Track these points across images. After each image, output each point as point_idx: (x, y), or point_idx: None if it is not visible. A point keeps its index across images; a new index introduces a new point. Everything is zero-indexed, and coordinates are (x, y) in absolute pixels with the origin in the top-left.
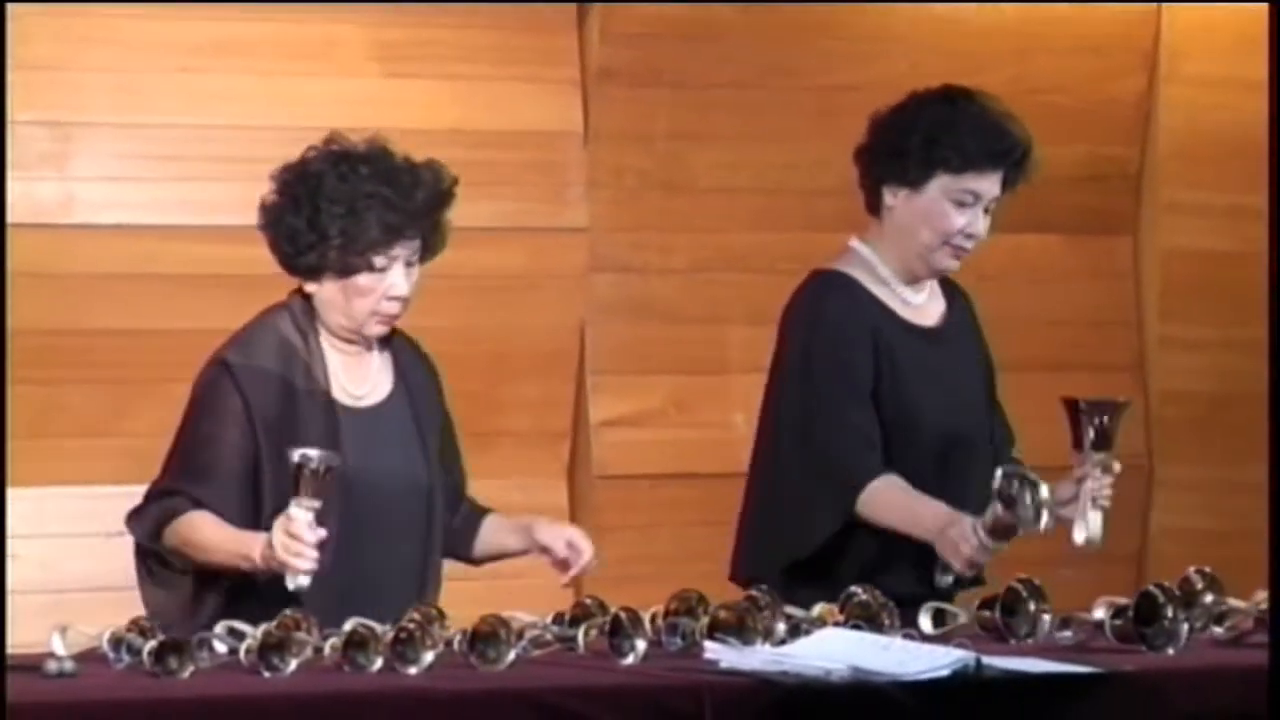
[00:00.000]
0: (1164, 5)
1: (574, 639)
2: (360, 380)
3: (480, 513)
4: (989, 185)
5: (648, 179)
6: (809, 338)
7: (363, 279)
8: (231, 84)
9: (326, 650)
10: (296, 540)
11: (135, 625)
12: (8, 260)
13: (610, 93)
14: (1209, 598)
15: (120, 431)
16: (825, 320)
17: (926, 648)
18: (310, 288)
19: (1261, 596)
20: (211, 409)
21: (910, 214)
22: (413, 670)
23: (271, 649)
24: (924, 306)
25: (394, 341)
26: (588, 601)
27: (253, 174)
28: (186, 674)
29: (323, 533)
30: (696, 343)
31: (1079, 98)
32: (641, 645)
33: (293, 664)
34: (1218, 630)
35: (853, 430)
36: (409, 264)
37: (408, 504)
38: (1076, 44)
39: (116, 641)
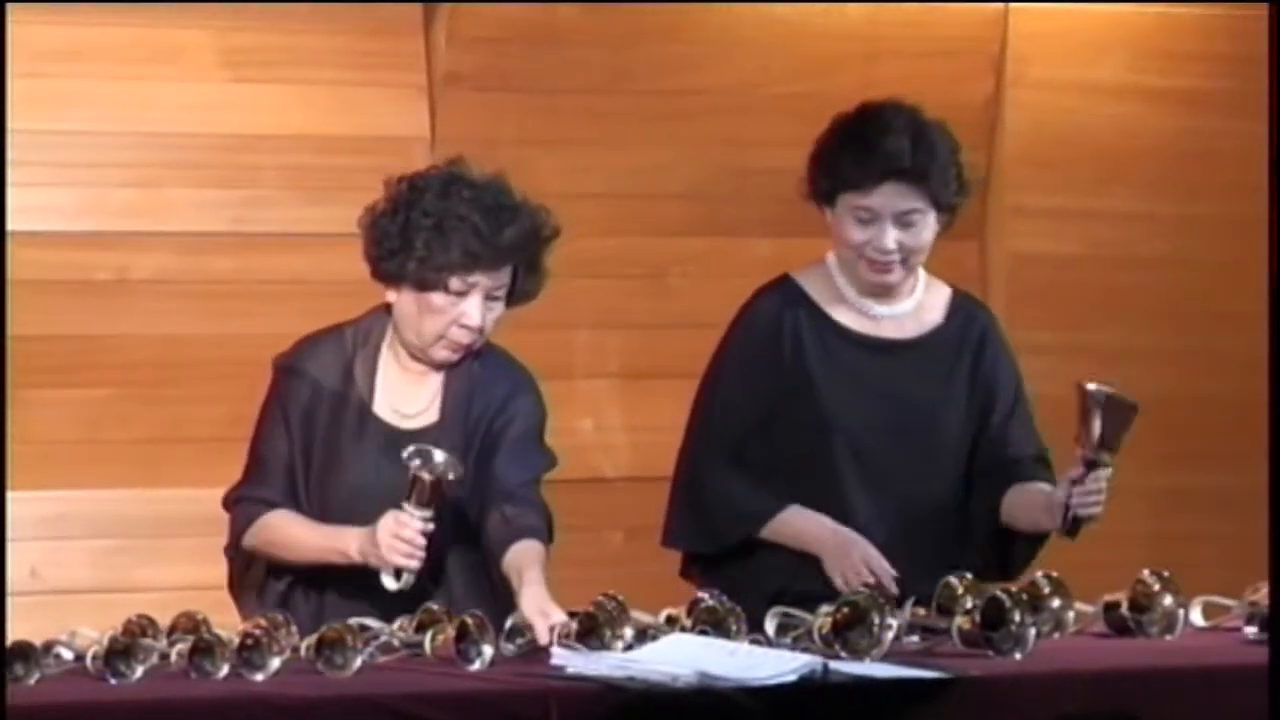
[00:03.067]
0: (1011, 7)
1: (421, 645)
2: (412, 400)
3: (516, 534)
4: (883, 202)
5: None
6: (728, 339)
7: (437, 298)
8: (78, 89)
9: (173, 657)
10: (407, 544)
11: None
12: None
13: (456, 98)
14: (1056, 602)
15: None
16: (740, 327)
17: (773, 653)
18: (390, 296)
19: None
20: (263, 411)
21: (834, 232)
22: (259, 677)
23: (118, 655)
24: (896, 320)
25: (481, 358)
26: (434, 607)
27: (99, 179)
28: (32, 680)
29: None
30: (543, 347)
31: (925, 101)
32: (488, 651)
33: (139, 670)
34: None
35: (738, 475)
36: (492, 298)
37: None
38: (923, 47)
39: None
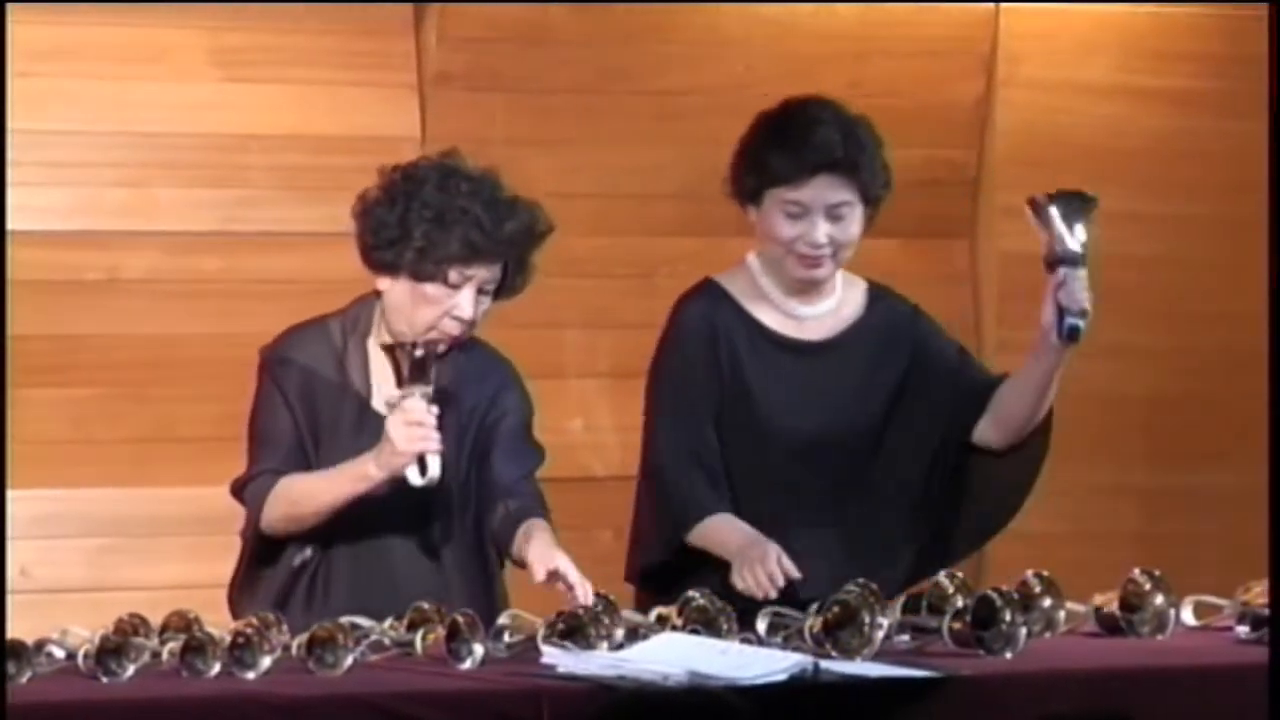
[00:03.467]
0: (1002, 6)
1: (411, 644)
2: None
3: (520, 518)
4: (814, 195)
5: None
6: (662, 346)
7: (432, 288)
8: (69, 88)
9: (165, 655)
10: (420, 425)
11: None
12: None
13: (447, 97)
14: (1047, 601)
15: None
16: (673, 333)
17: (764, 652)
18: (382, 284)
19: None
20: (258, 405)
21: (760, 228)
22: (250, 675)
23: (109, 654)
24: (818, 319)
25: (467, 351)
26: (425, 606)
27: (90, 179)
28: (24, 679)
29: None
30: (533, 347)
31: (916, 101)
32: (479, 650)
33: (130, 669)
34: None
35: (687, 460)
36: (483, 291)
37: (425, 507)
38: (913, 47)
39: None
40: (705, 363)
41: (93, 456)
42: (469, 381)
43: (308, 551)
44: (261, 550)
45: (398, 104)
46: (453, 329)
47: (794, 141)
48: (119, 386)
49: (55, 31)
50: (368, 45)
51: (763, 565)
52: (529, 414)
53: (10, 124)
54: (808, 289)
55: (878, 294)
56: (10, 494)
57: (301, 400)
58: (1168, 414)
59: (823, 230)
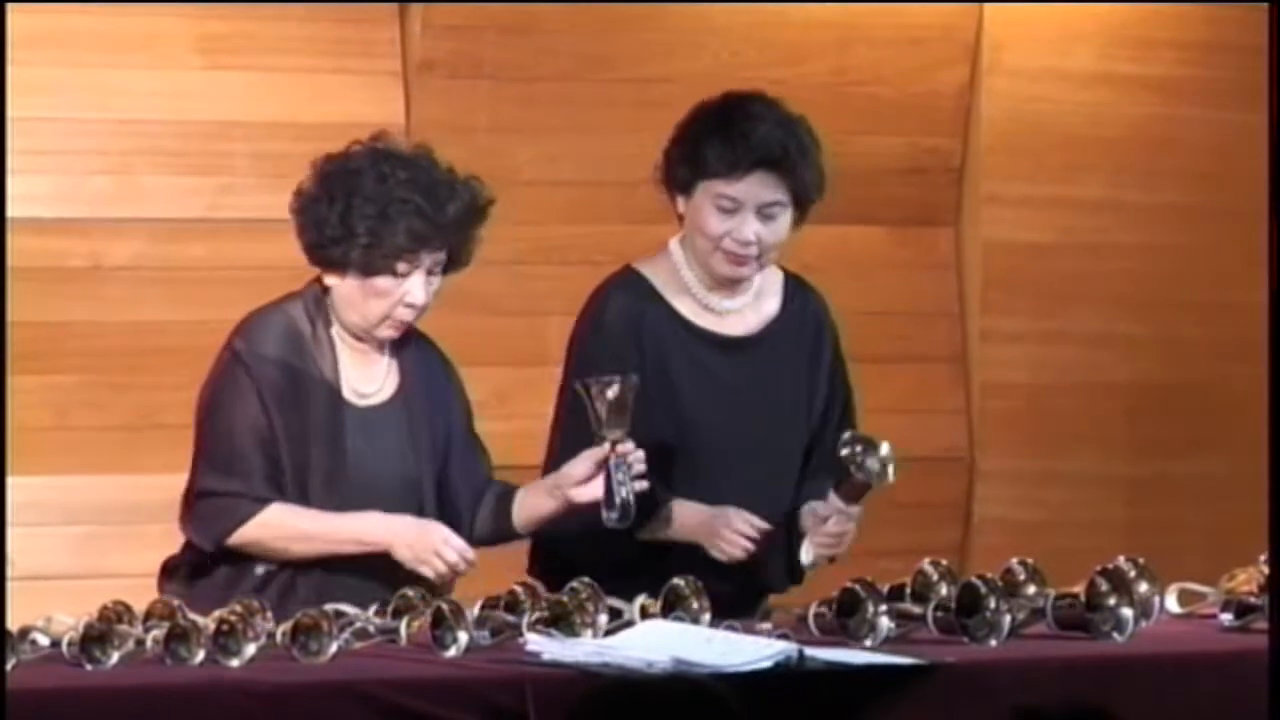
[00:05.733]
0: None
1: (396, 631)
2: (368, 379)
3: (511, 489)
4: (748, 191)
5: (468, 171)
6: (581, 336)
7: (381, 281)
8: (52, 75)
9: (149, 643)
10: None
11: None
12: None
13: (431, 85)
14: (1031, 589)
15: None
16: (597, 324)
17: (749, 640)
18: (330, 280)
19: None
20: (226, 400)
21: (688, 220)
22: (234, 663)
23: (93, 641)
24: (738, 313)
25: (410, 341)
26: (410, 593)
27: (72, 166)
28: (8, 666)
29: None
30: (516, 335)
31: (900, 90)
32: (464, 637)
33: (115, 656)
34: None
35: None
36: (430, 273)
37: (402, 500)
38: (897, 35)
39: None
40: (627, 356)
41: (76, 444)
42: (426, 367)
43: (273, 565)
44: (221, 561)
45: (382, 91)
46: (406, 316)
47: (734, 136)
48: (102, 374)
49: (39, 19)
50: (352, 33)
51: (731, 529)
52: (471, 411)
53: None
54: (729, 285)
55: (795, 286)
56: None
57: (278, 401)
58: (1151, 402)
59: (752, 228)
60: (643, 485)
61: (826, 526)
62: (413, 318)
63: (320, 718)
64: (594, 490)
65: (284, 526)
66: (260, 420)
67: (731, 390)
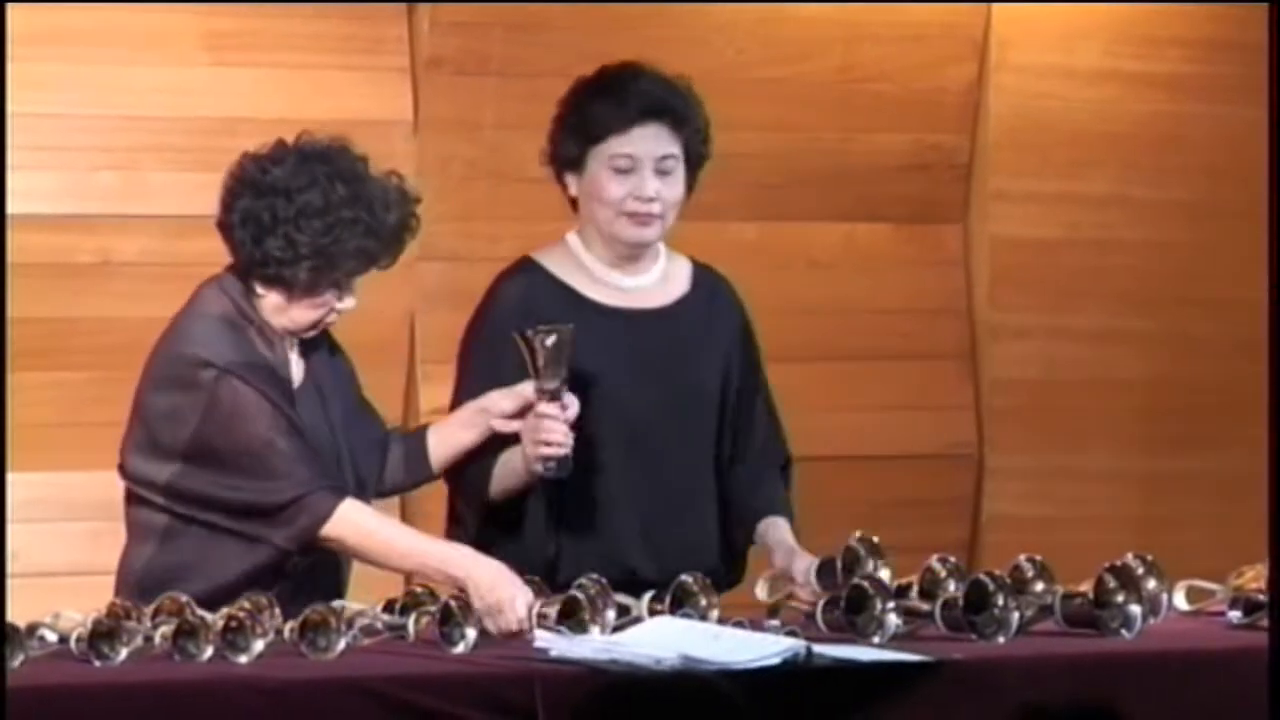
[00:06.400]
0: None
1: (404, 628)
2: (291, 364)
3: (418, 432)
4: (643, 146)
5: (476, 168)
6: (474, 326)
7: (323, 295)
8: (60, 72)
9: (157, 639)
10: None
11: None
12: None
13: (439, 81)
14: (1039, 586)
15: None
16: (490, 309)
17: (757, 636)
18: (259, 289)
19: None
20: (248, 414)
21: (585, 196)
22: (243, 659)
23: (101, 638)
24: (645, 290)
25: None
26: (418, 590)
27: (78, 163)
28: (16, 663)
29: None
30: None
31: (906, 86)
32: (471, 634)
33: (123, 653)
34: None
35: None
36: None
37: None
38: (904, 32)
39: None
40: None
41: (83, 440)
42: (321, 362)
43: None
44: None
45: (390, 88)
46: (334, 319)
47: (618, 92)
48: (110, 370)
49: (46, 15)
50: (360, 30)
51: (536, 429)
52: (357, 378)
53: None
54: (633, 257)
55: (704, 273)
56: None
57: (283, 398)
58: (1160, 398)
59: (652, 185)
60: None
61: (800, 593)
62: (336, 319)
63: (328, 714)
64: (516, 425)
65: (363, 527)
66: (283, 420)
67: (635, 361)
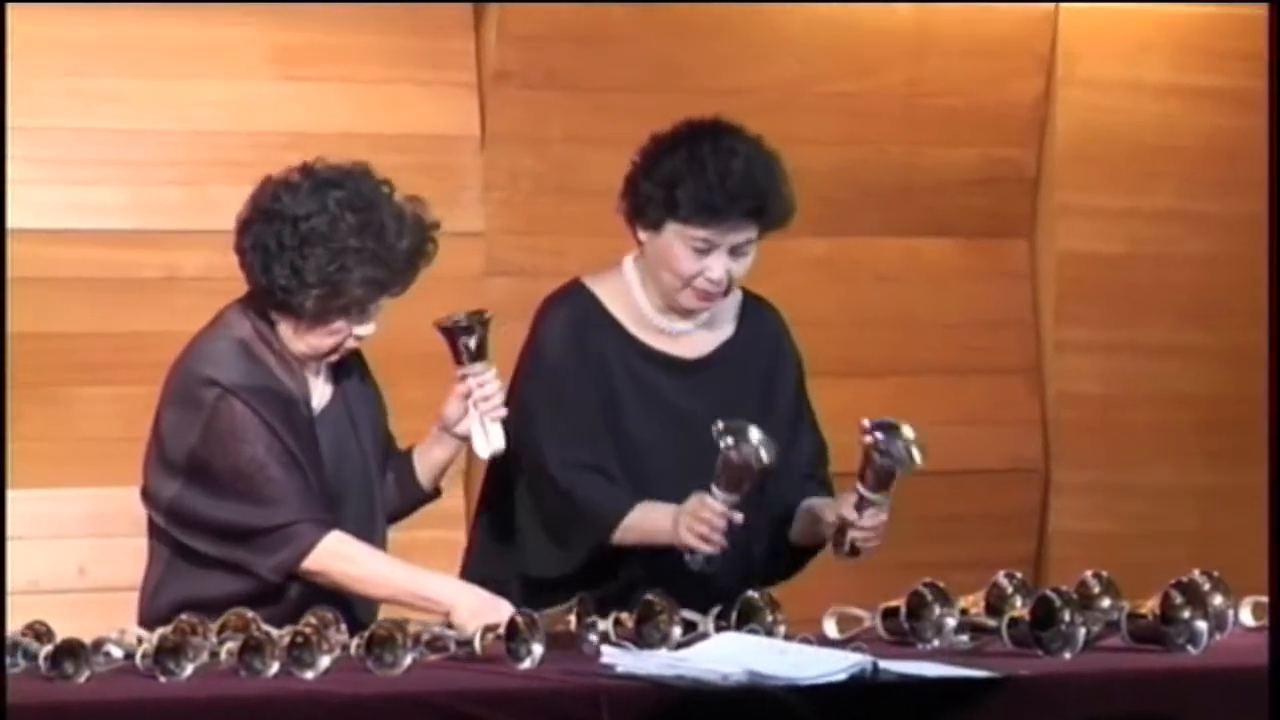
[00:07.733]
0: (1061, 6)
1: (470, 643)
2: (313, 389)
3: (405, 454)
4: (727, 236)
5: (543, 182)
6: (534, 355)
7: (335, 323)
8: (122, 87)
9: (223, 655)
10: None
11: (30, 630)
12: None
13: (506, 95)
14: (1106, 601)
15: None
16: (549, 340)
17: (824, 652)
18: (275, 316)
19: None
20: (244, 438)
21: (654, 254)
22: (309, 675)
23: (167, 653)
24: (690, 336)
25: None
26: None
27: (143, 178)
28: (82, 678)
29: None
30: None
31: (974, 100)
32: (538, 650)
33: (189, 668)
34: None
35: (590, 470)
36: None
37: (363, 502)
38: (971, 46)
39: (12, 646)
40: (578, 373)
41: None
42: (353, 386)
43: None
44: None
45: (457, 102)
46: (353, 345)
47: (710, 179)
48: None
49: (112, 30)
50: (426, 44)
51: (697, 517)
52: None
53: (68, 122)
54: (686, 313)
55: (753, 306)
56: (67, 492)
57: (287, 426)
58: (1224, 413)
59: (724, 266)
60: (501, 413)
61: (862, 520)
62: (358, 345)
63: None
64: (467, 424)
65: (347, 559)
66: (279, 449)
67: (679, 412)
